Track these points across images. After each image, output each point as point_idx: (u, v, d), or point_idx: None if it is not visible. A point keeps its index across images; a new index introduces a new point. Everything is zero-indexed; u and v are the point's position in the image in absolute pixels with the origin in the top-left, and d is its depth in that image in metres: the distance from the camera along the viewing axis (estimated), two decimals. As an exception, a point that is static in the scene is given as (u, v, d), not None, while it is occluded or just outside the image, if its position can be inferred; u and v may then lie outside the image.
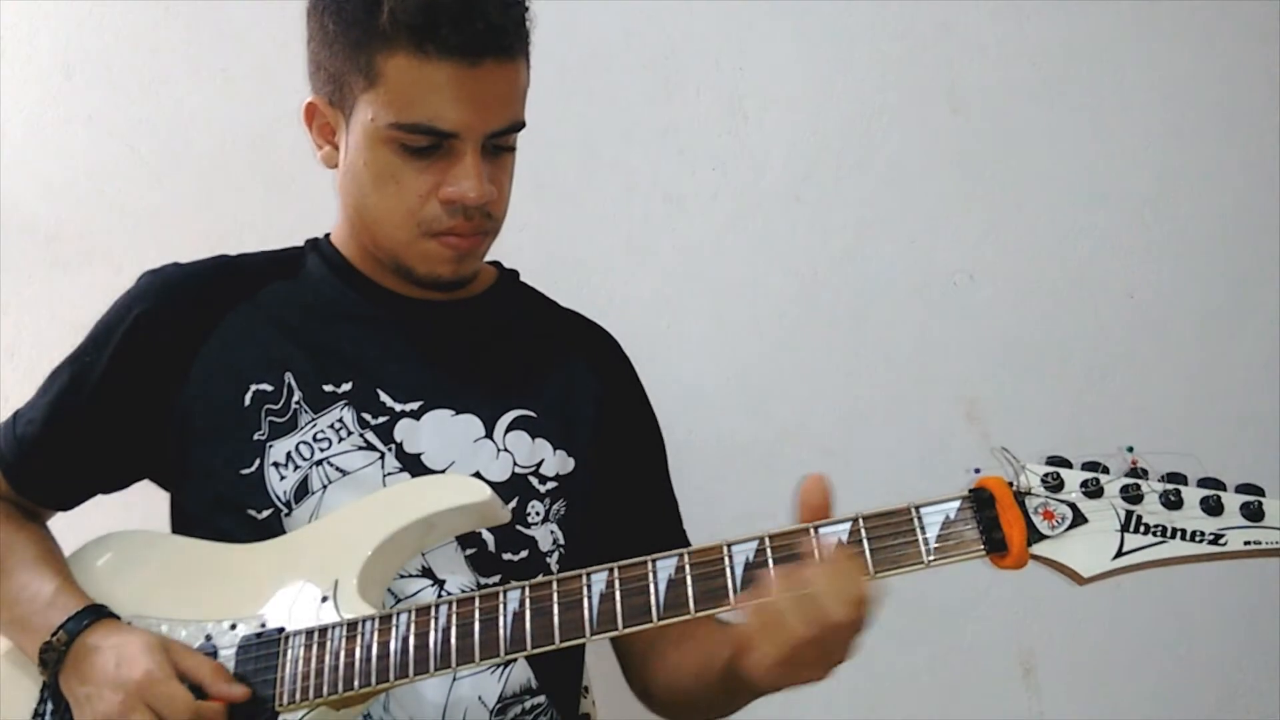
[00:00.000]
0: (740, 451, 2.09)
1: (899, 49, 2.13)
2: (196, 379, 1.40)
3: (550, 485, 1.44)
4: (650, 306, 2.09)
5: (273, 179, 2.07)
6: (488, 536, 1.39)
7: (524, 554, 1.41)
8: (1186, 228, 2.14)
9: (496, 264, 1.59)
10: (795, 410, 2.10)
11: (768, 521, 2.05)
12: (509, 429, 1.43)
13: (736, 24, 2.12)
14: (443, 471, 1.39)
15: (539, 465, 1.43)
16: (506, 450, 1.42)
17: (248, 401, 1.39)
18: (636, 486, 1.54)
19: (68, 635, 1.28)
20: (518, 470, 1.42)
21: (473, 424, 1.42)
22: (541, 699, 1.40)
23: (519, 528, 1.41)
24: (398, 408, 1.41)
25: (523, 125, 1.39)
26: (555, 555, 1.43)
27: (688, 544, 1.55)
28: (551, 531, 1.44)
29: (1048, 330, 2.12)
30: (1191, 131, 2.14)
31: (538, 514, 1.42)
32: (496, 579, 1.38)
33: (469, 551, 1.39)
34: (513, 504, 1.40)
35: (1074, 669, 2.10)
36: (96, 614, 1.31)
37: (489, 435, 1.42)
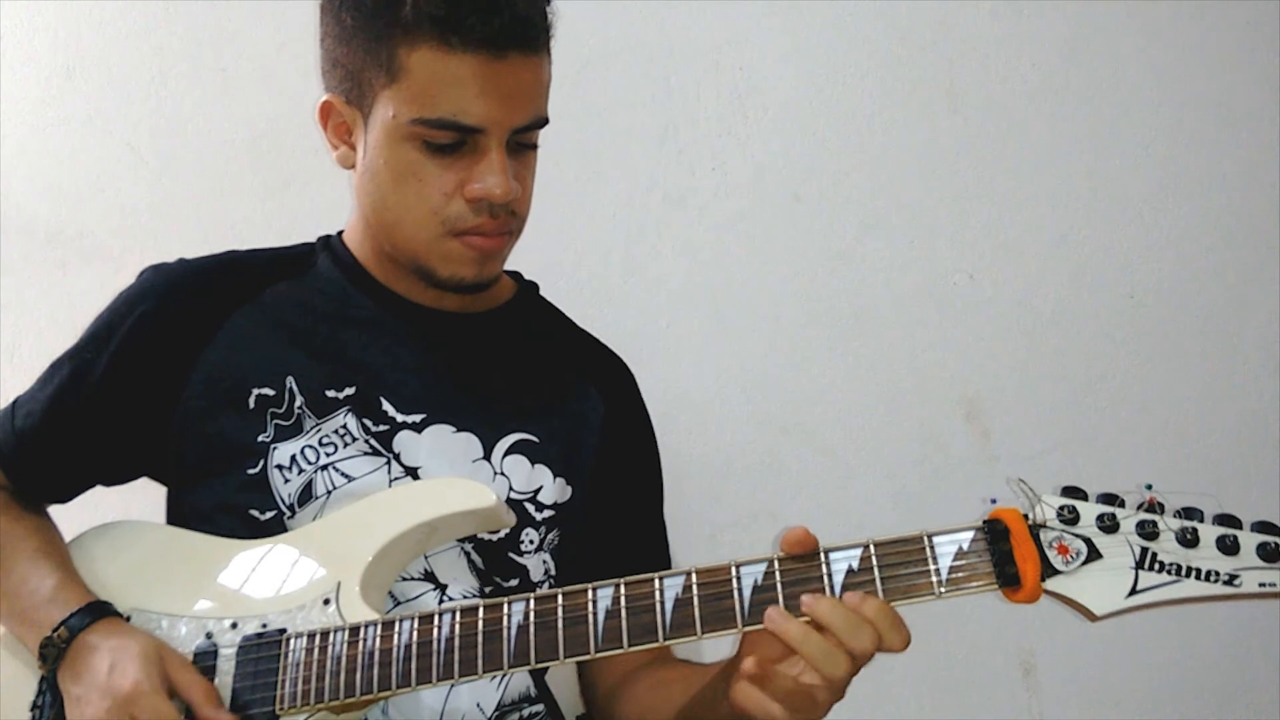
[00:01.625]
0: (740, 451, 2.09)
1: (899, 49, 2.13)
2: (199, 380, 1.39)
3: (547, 513, 1.41)
4: (650, 306, 2.08)
5: (273, 179, 2.07)
6: (477, 558, 1.38)
7: (514, 582, 1.39)
8: (1186, 228, 2.13)
9: (517, 275, 1.57)
10: (795, 410, 2.10)
11: (768, 521, 2.08)
12: (507, 452, 1.41)
13: (736, 24, 2.12)
14: None
15: (537, 492, 1.41)
16: (503, 474, 1.40)
17: (252, 405, 1.38)
18: (628, 519, 1.52)
19: (69, 632, 1.27)
20: (513, 495, 1.40)
21: (471, 444, 1.40)
22: (539, 707, 1.39)
23: (511, 555, 1.39)
24: (400, 418, 1.39)
25: (546, 121, 1.36)
26: (545, 585, 1.41)
27: None
28: (544, 561, 1.42)
29: (1048, 330, 2.12)
30: (1191, 131, 2.14)
31: (531, 542, 1.40)
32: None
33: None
34: (505, 531, 1.38)
35: (1074, 669, 2.09)
36: (98, 612, 1.30)
37: (486, 457, 1.40)
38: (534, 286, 1.58)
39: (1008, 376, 2.11)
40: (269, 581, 1.31)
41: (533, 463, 1.42)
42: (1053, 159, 2.13)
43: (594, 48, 2.10)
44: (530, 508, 1.40)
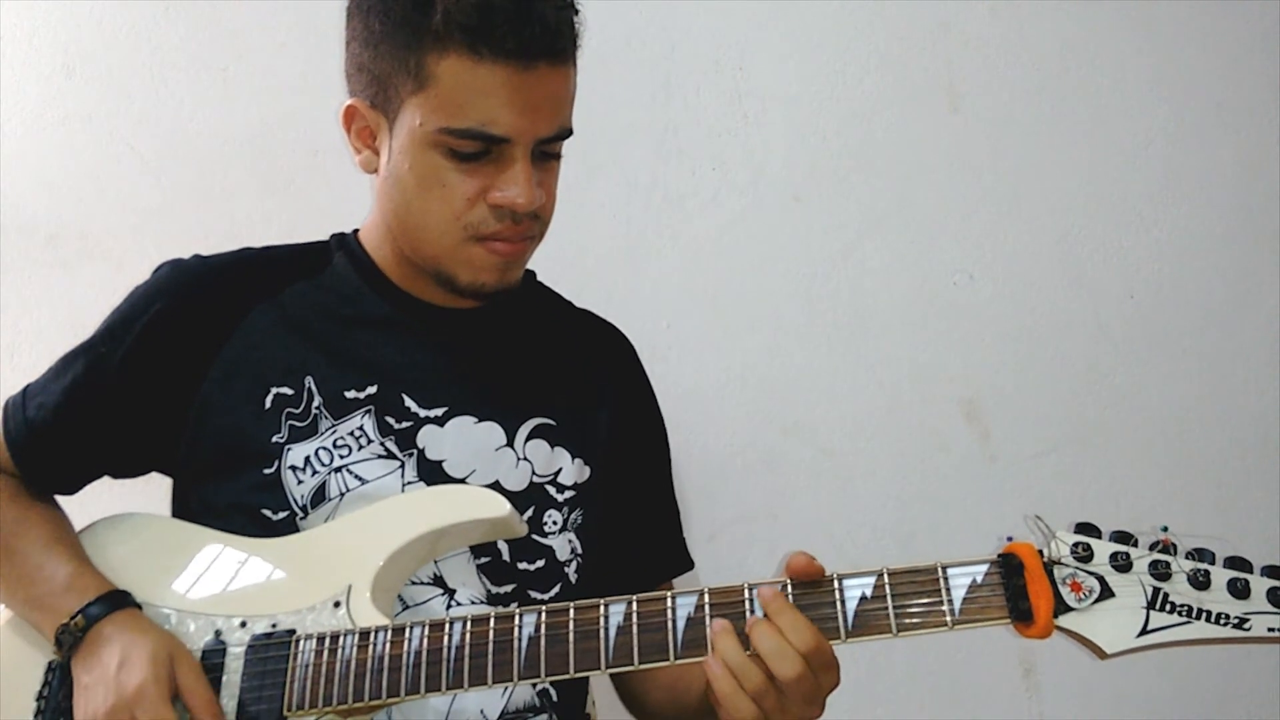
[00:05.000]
0: (740, 451, 2.09)
1: (899, 49, 2.13)
2: (215, 378, 1.39)
3: (568, 494, 1.43)
4: (650, 306, 2.09)
5: (272, 179, 2.07)
6: (502, 545, 1.38)
7: (540, 563, 1.40)
8: (1186, 228, 2.13)
9: None
10: (795, 410, 2.10)
11: (768, 521, 2.08)
12: (529, 437, 1.42)
13: (736, 24, 2.12)
14: (463, 480, 1.38)
15: (557, 474, 1.42)
16: (526, 459, 1.41)
17: (268, 404, 1.38)
18: (643, 493, 1.53)
19: (86, 620, 1.27)
20: (535, 479, 1.41)
21: (494, 432, 1.41)
22: (545, 717, 1.39)
23: (535, 537, 1.40)
24: (422, 413, 1.39)
25: (570, 133, 1.36)
26: (574, 564, 1.42)
27: (685, 553, 1.56)
28: (570, 541, 1.42)
29: (1048, 330, 2.12)
30: (1191, 131, 2.14)
31: (555, 523, 1.41)
32: (511, 588, 1.38)
33: (482, 560, 1.37)
34: (529, 513, 1.39)
35: (1074, 669, 2.09)
36: (117, 602, 1.30)
37: (510, 444, 1.41)
38: (531, 274, 1.58)
39: (1007, 377, 2.11)
40: (279, 582, 1.31)
41: (552, 445, 1.43)
42: (1053, 159, 2.13)
43: (594, 48, 2.09)
44: (551, 490, 1.42)
